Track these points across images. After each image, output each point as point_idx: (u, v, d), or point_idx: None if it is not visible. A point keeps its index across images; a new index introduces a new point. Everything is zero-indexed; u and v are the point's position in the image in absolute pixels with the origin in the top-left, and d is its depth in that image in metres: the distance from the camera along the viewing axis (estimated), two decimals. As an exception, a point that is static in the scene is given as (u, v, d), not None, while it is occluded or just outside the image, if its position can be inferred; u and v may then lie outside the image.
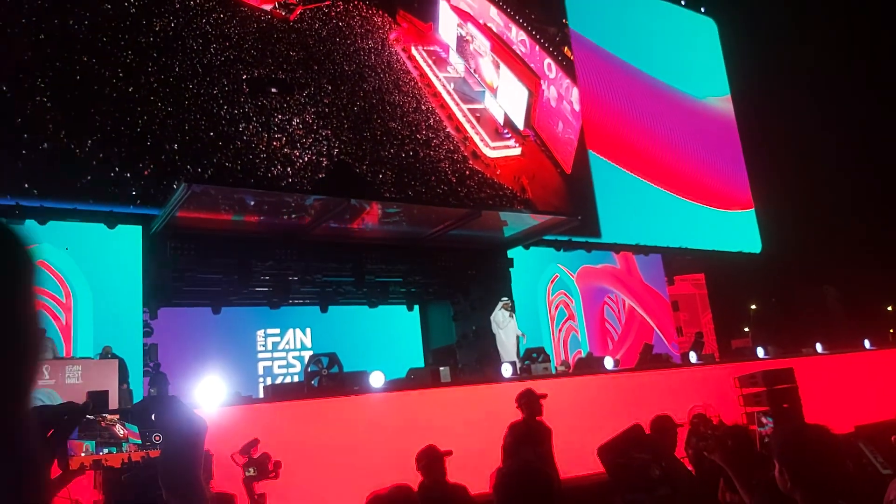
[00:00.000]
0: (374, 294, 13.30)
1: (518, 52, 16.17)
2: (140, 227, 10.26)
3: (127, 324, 9.95)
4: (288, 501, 6.03)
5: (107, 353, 9.03)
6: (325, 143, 12.19)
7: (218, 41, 11.69)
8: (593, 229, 15.61)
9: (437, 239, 12.51)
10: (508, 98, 15.77)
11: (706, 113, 19.86)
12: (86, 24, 10.32)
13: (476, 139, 14.70)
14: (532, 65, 16.21)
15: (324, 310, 13.05)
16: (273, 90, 11.88)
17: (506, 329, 11.41)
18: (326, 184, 11.67)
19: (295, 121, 12.01)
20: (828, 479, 2.06)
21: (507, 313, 11.47)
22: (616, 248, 16.29)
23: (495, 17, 16.23)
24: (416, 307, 14.86)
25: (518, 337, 11.40)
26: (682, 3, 20.72)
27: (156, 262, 10.32)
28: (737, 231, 19.10)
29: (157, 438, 3.90)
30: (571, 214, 13.55)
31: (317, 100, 12.50)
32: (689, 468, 3.48)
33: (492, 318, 11.69)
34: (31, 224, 9.51)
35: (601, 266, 16.31)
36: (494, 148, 14.91)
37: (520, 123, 15.60)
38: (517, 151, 15.28)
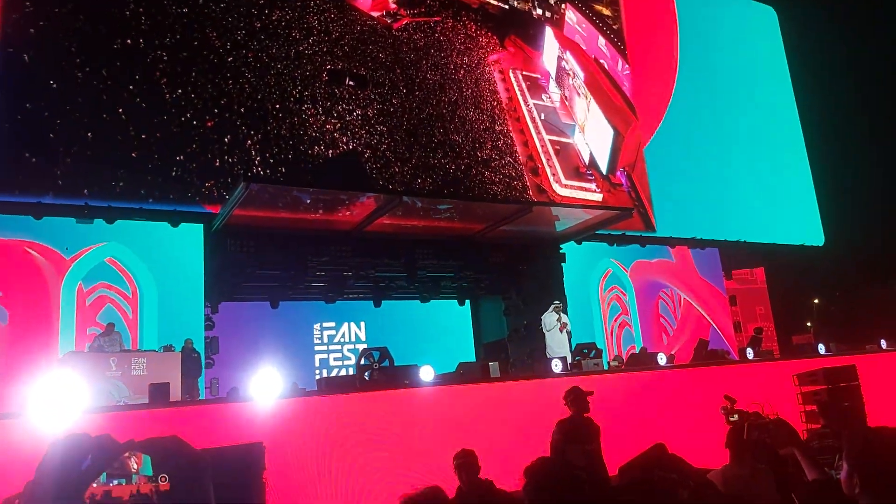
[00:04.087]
0: (426, 289, 13.46)
1: (624, 86, 15.84)
2: (202, 225, 10.68)
3: (190, 318, 10.38)
4: (336, 493, 6.21)
5: (188, 347, 9.47)
6: (375, 137, 12.41)
7: (318, 35, 12.41)
8: (647, 223, 15.39)
9: (489, 234, 12.56)
10: (595, 137, 15.15)
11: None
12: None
13: (548, 172, 14.30)
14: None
15: (377, 304, 13.28)
16: (349, 82, 12.27)
17: (552, 332, 11.33)
18: (327, 169, 11.81)
19: (356, 112, 12.39)
20: None
21: (556, 317, 11.37)
22: (671, 242, 15.99)
23: (603, 48, 16.04)
24: (468, 302, 14.96)
25: (568, 334, 11.34)
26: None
27: (217, 259, 10.72)
28: (798, 223, 18.47)
29: (164, 479, 3.97)
30: (625, 209, 13.38)
31: (386, 98, 12.79)
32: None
33: (542, 317, 11.67)
34: (99, 223, 10.03)
35: (656, 260, 16.05)
36: (566, 186, 14.37)
37: (603, 166, 14.94)
38: (596, 197, 14.55)
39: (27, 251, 9.71)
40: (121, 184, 9.96)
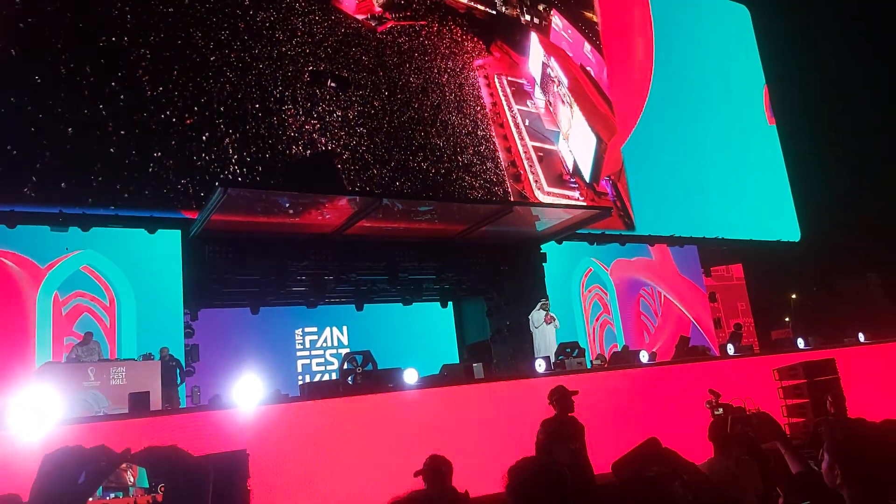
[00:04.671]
0: (408, 291, 13.42)
1: (608, 92, 15.88)
2: (179, 231, 10.56)
3: (169, 326, 10.25)
4: (321, 499, 6.17)
5: (164, 355, 9.34)
6: (354, 139, 12.38)
7: (301, 36, 12.43)
8: (627, 222, 15.51)
9: (470, 236, 12.56)
10: (579, 144, 15.15)
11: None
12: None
13: (531, 178, 14.30)
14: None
15: (359, 308, 13.21)
16: (331, 83, 12.24)
17: (540, 329, 11.43)
18: (305, 171, 11.81)
19: (337, 113, 12.37)
20: (881, 479, 2.03)
21: (544, 314, 11.49)
22: (650, 240, 16.12)
23: (588, 55, 16.08)
24: (450, 304, 14.94)
25: (555, 330, 11.44)
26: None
27: (195, 265, 10.59)
28: (775, 219, 18.73)
29: (162, 489, 3.88)
30: (604, 208, 13.46)
31: (367, 101, 12.78)
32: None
33: (529, 316, 11.73)
34: (74, 231, 9.87)
35: (636, 259, 16.17)
36: (549, 193, 14.33)
37: (586, 174, 14.95)
38: (579, 205, 14.46)
39: (1, 261, 9.53)
40: (99, 178, 9.86)
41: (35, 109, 9.71)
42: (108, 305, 10.11)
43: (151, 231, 10.44)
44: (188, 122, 10.91)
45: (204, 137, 10.97)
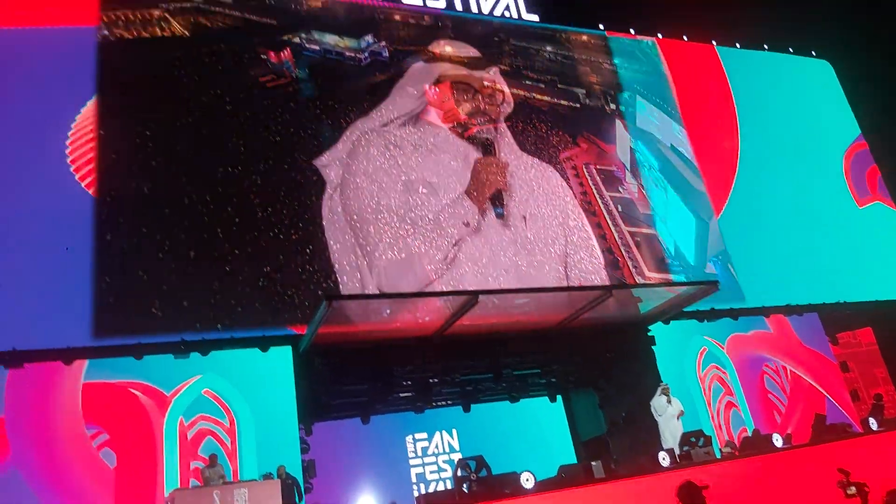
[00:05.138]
0: (513, 388, 13.16)
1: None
2: (290, 347, 11.00)
3: (286, 442, 10.47)
4: None
5: (282, 474, 9.52)
6: (445, 239, 12.65)
7: (394, 149, 13.21)
8: (736, 294, 14.81)
9: (572, 324, 12.33)
10: (677, 226, 15.11)
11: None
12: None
13: (630, 264, 14.16)
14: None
15: (466, 409, 13.04)
16: (422, 190, 12.78)
17: (664, 416, 10.89)
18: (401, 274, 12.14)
19: (429, 217, 12.79)
20: None
21: (665, 398, 11.01)
22: (765, 311, 15.25)
23: (678, 135, 16.31)
24: (559, 397, 14.48)
25: (681, 418, 10.88)
26: (790, 50, 20.11)
27: (307, 380, 10.92)
28: (901, 275, 17.34)
29: None
30: (709, 282, 12.92)
31: (456, 201, 13.17)
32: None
33: (651, 404, 11.24)
34: (195, 356, 10.47)
35: (752, 333, 15.28)
36: (650, 278, 14.16)
37: (690, 256, 14.81)
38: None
39: (131, 392, 10.17)
40: (217, 296, 10.70)
41: (163, 237, 10.83)
42: (229, 427, 10.48)
43: (264, 349, 10.91)
44: (294, 237, 11.74)
45: (308, 250, 11.72)
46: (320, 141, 12.76)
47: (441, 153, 13.45)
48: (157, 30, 12.56)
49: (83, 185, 10.81)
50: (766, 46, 19.86)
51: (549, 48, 16.36)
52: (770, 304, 15.17)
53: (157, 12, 12.67)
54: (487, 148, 13.40)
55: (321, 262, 11.75)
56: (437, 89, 13.87)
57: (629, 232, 14.53)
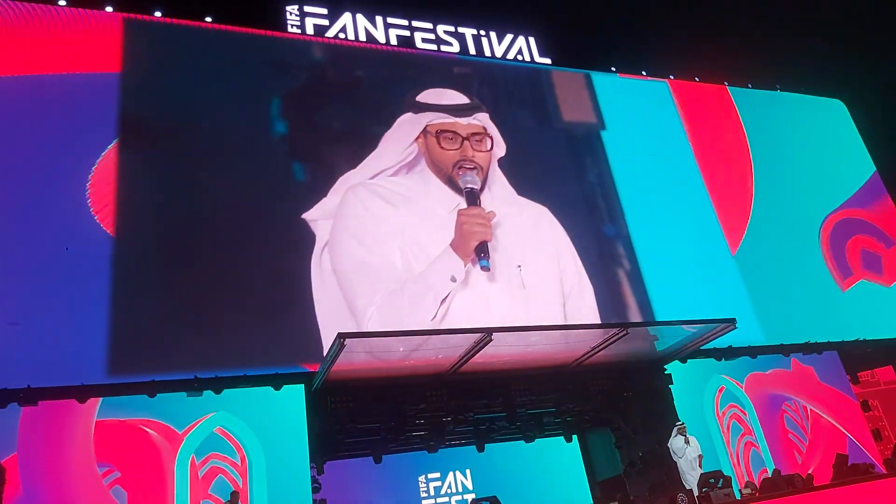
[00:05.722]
0: (528, 427, 12.97)
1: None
2: (302, 385, 10.95)
3: (297, 481, 10.36)
4: None
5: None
6: (432, 296, 12.42)
7: (387, 203, 13.08)
8: (754, 332, 14.62)
9: (587, 363, 12.19)
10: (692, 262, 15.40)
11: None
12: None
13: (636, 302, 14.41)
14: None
15: (480, 449, 12.84)
16: (410, 244, 12.65)
17: (684, 458, 10.65)
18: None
19: (416, 271, 12.58)
20: None
21: (683, 438, 10.78)
22: (784, 350, 15.01)
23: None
24: (575, 437, 14.24)
25: (699, 459, 10.64)
26: (803, 90, 20.23)
27: (319, 418, 10.85)
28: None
29: None
30: (727, 320, 12.76)
31: (443, 255, 12.76)
32: None
33: (668, 445, 11.00)
34: (207, 394, 10.46)
35: (771, 371, 15.01)
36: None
37: (705, 294, 14.70)
38: None
39: (143, 429, 10.13)
40: (231, 334, 10.77)
41: (178, 275, 11.02)
42: (241, 465, 10.39)
43: (277, 387, 10.88)
44: (304, 280, 11.72)
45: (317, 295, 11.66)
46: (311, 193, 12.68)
47: (429, 204, 13.20)
48: (178, 76, 12.84)
49: (102, 224, 10.98)
50: (778, 87, 20.01)
51: (538, 87, 16.28)
52: (788, 341, 14.95)
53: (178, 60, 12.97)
54: (472, 198, 12.91)
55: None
56: (425, 139, 13.63)
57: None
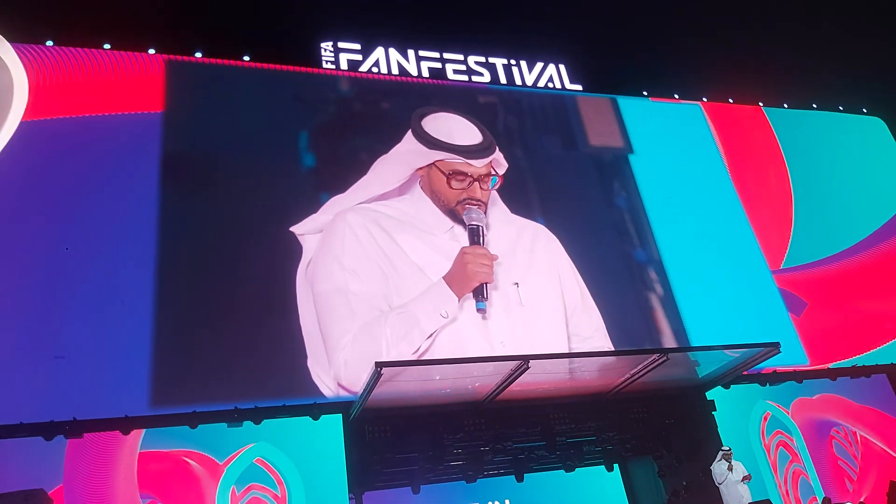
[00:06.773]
0: (568, 457, 12.73)
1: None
2: (340, 415, 10.98)
3: (336, 513, 10.34)
4: None
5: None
6: (417, 331, 11.85)
7: (378, 227, 12.73)
8: (799, 356, 14.24)
9: (627, 389, 12.00)
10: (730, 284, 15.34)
11: None
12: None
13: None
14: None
15: (519, 479, 12.63)
16: (398, 271, 12.25)
17: (725, 483, 10.38)
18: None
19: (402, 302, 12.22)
20: None
21: (727, 464, 10.51)
22: (831, 374, 14.56)
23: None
24: (616, 466, 13.94)
25: (747, 483, 10.37)
26: (840, 108, 19.90)
27: (357, 448, 10.83)
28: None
29: None
30: (770, 344, 12.44)
31: (434, 287, 12.18)
32: None
33: (712, 469, 10.75)
34: (247, 425, 10.55)
35: (818, 396, 14.56)
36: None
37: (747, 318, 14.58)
38: None
39: (185, 460, 10.26)
40: (271, 365, 10.93)
41: (219, 307, 11.23)
42: (281, 496, 10.42)
43: (315, 417, 10.92)
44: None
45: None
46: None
47: (422, 229, 12.79)
48: (216, 112, 13.20)
49: (143, 256, 11.28)
50: (814, 105, 19.73)
51: (564, 113, 16.19)
52: (834, 364, 14.52)
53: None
54: (477, 236, 12.19)
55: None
56: (428, 171, 13.10)
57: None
